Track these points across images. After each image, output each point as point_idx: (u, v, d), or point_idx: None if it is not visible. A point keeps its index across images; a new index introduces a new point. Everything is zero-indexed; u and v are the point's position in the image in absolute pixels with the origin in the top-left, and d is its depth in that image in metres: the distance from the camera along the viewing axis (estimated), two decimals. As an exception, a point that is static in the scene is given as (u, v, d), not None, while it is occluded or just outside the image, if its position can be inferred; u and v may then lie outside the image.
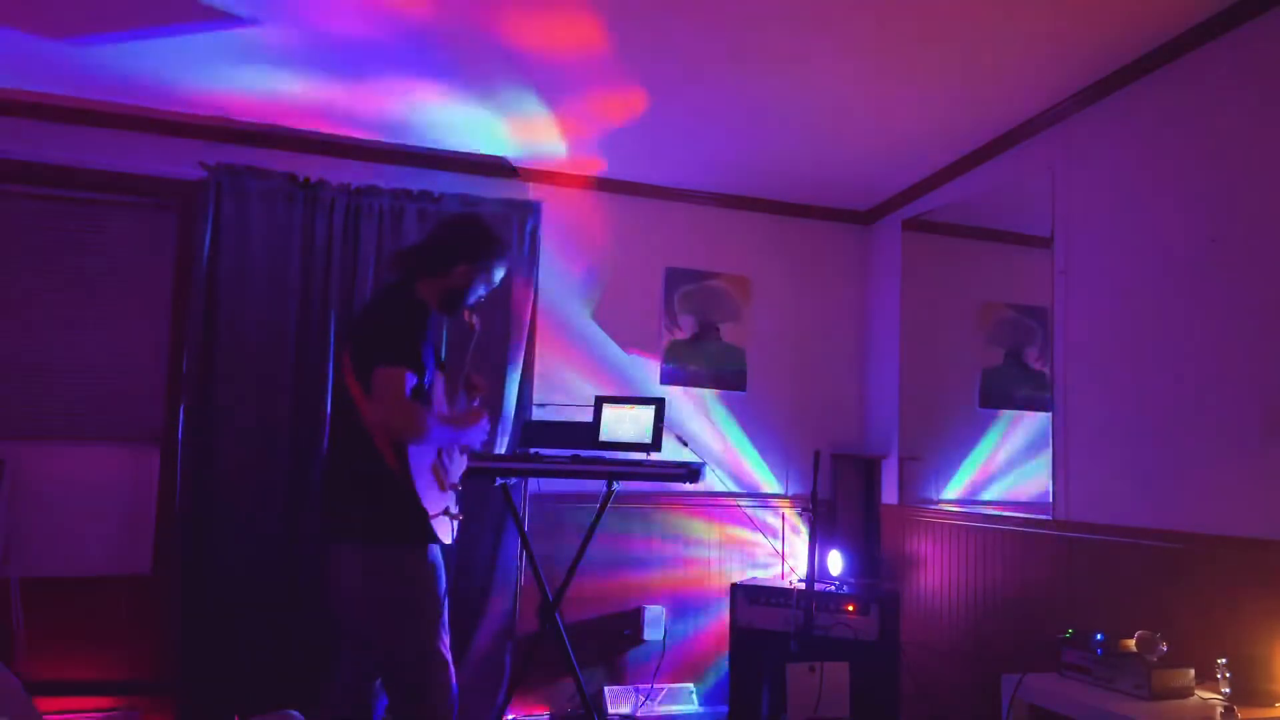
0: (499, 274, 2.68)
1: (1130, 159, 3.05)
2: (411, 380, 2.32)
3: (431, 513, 2.38)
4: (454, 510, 2.52)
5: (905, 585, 4.02)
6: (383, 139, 3.79)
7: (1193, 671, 2.50)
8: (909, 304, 4.23)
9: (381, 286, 2.61)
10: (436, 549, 2.45)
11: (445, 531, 2.46)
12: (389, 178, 3.82)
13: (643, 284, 4.25)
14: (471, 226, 2.64)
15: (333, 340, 3.62)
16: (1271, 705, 2.34)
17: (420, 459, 2.40)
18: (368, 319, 2.53)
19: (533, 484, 3.89)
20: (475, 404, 2.76)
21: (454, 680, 2.44)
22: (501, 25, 2.85)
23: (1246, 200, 2.63)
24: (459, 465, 2.66)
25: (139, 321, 3.64)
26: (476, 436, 2.62)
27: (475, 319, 2.74)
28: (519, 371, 3.88)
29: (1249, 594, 2.50)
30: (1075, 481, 3.19)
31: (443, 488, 2.51)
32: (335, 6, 2.75)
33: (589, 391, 4.00)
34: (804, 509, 4.00)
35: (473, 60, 3.10)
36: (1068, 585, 3.14)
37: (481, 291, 2.66)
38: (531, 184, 4.09)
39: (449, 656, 2.45)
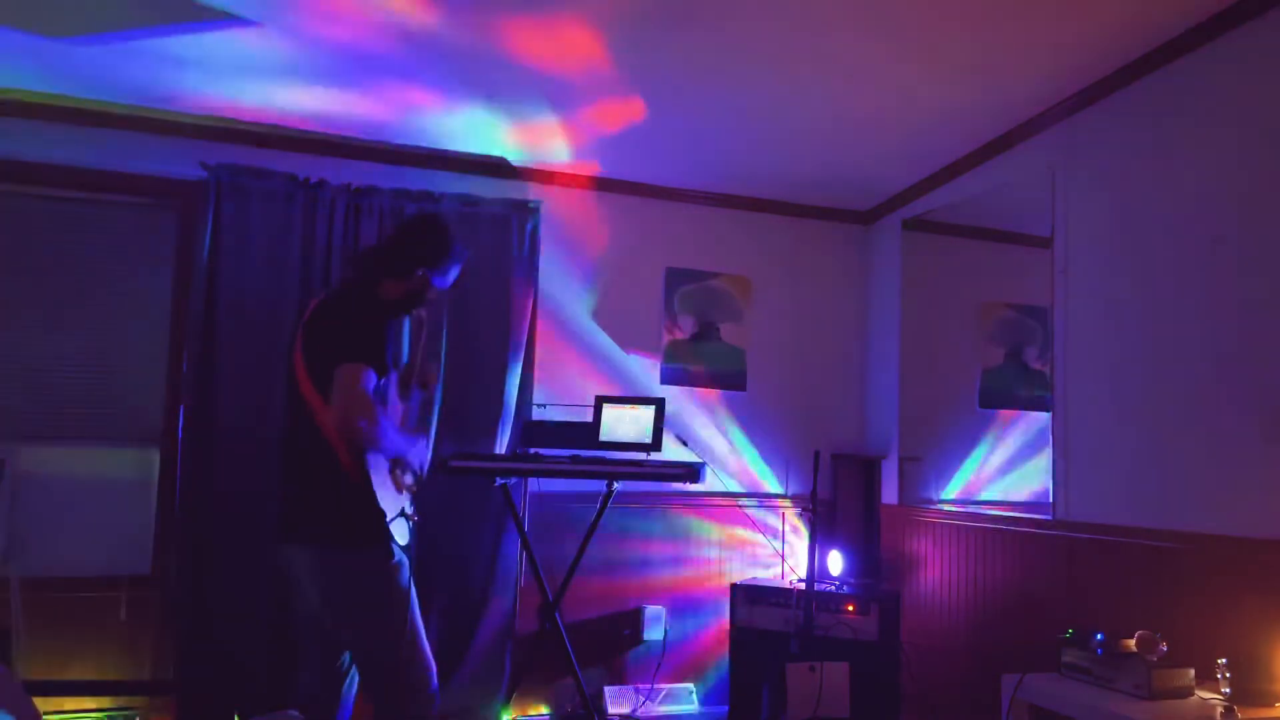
0: (454, 275, 2.71)
1: (1130, 159, 3.05)
2: (372, 380, 2.31)
3: (388, 515, 2.38)
4: (410, 511, 2.52)
5: (905, 585, 4.02)
6: (383, 139, 3.79)
7: (1193, 671, 2.50)
8: (909, 304, 4.23)
9: (341, 286, 2.58)
10: (396, 546, 2.45)
11: (401, 533, 2.46)
12: (389, 178, 3.81)
13: (643, 284, 4.25)
14: (432, 230, 2.64)
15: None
16: (1271, 705, 2.34)
17: (377, 460, 2.40)
18: (328, 317, 2.49)
19: (533, 484, 3.89)
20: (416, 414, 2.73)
21: (432, 666, 2.45)
22: (503, 35, 2.87)
23: (1247, 200, 2.63)
24: (419, 459, 2.64)
25: (139, 321, 3.64)
26: (419, 456, 2.58)
27: (422, 312, 2.75)
28: (519, 371, 3.88)
29: (1249, 594, 2.50)
30: (1075, 481, 3.19)
31: (399, 489, 2.50)
32: (336, 15, 2.75)
33: (589, 391, 4.00)
34: (804, 509, 4.00)
35: (475, 69, 3.11)
36: (1068, 585, 3.13)
37: (436, 290, 2.67)
38: (531, 184, 4.08)
39: (425, 643, 2.46)
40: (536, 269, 3.98)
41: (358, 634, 2.42)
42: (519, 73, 3.12)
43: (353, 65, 3.11)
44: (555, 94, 3.30)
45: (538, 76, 3.16)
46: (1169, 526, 2.78)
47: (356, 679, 2.58)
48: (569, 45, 2.93)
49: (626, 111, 3.45)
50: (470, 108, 3.44)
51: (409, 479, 2.56)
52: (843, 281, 4.59)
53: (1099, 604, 2.98)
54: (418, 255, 2.58)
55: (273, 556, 2.65)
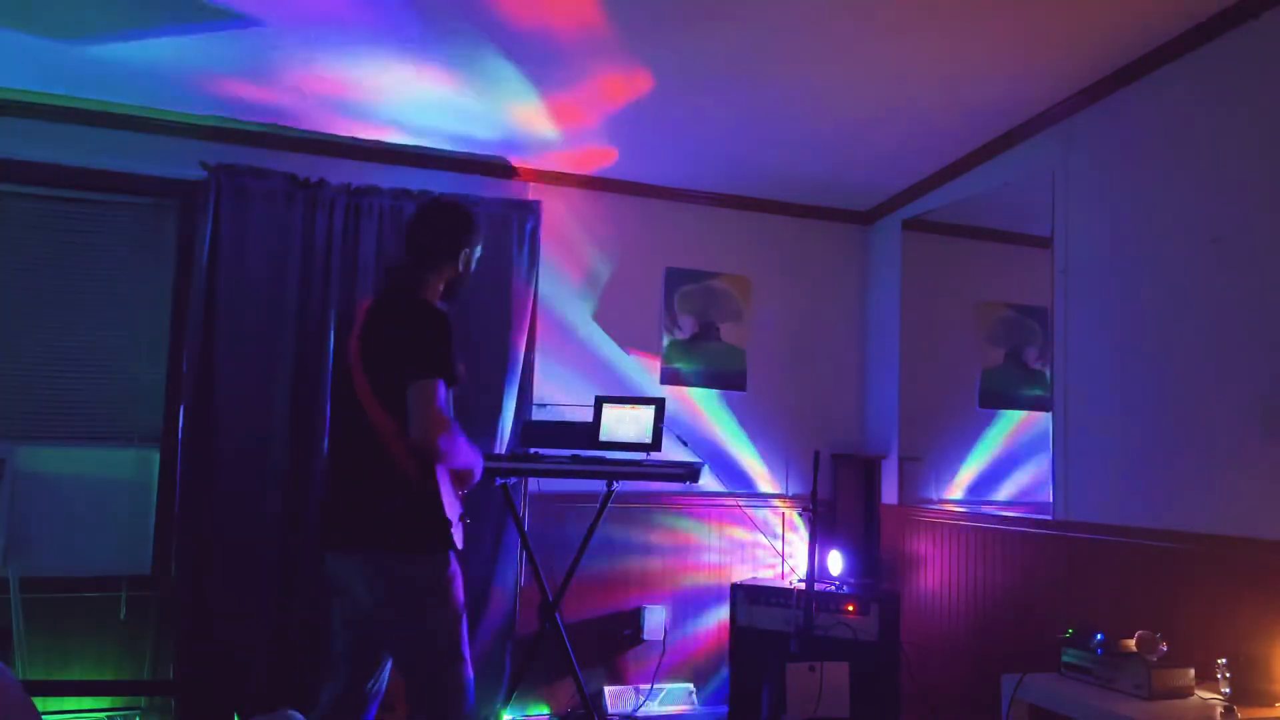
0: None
1: (1130, 159, 3.05)
2: (444, 392, 2.32)
3: (452, 520, 2.39)
4: (465, 515, 2.54)
5: (905, 585, 4.02)
6: (382, 139, 3.79)
7: (1193, 671, 2.50)
8: (909, 304, 4.23)
9: (389, 293, 2.55)
10: (454, 555, 2.45)
11: (459, 537, 2.47)
12: (389, 178, 3.81)
13: (643, 284, 4.25)
14: (454, 209, 2.64)
15: (332, 340, 3.62)
16: (1271, 705, 2.34)
17: (441, 469, 2.41)
18: (387, 328, 2.45)
19: (533, 484, 3.89)
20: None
21: (471, 682, 2.46)
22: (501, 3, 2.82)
23: (1247, 200, 2.63)
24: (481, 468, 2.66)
25: (139, 322, 3.64)
26: (481, 466, 2.59)
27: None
28: (519, 371, 3.88)
29: (1249, 594, 2.51)
30: (1075, 481, 3.19)
31: (457, 493, 2.52)
32: None
33: (589, 391, 4.00)
34: (804, 509, 4.00)
35: (471, 39, 2.97)
36: (1068, 585, 3.13)
37: (474, 266, 2.69)
38: (531, 184, 4.09)
39: (469, 658, 2.46)
40: (536, 269, 3.98)
41: (407, 640, 2.39)
42: (517, 47, 3.01)
43: (335, 34, 2.95)
44: (548, 69, 3.18)
45: (536, 49, 3.03)
46: (1169, 526, 2.78)
47: (379, 700, 2.57)
48: (566, 22, 2.85)
49: (630, 89, 3.35)
50: (460, 87, 3.32)
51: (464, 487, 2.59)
52: (843, 281, 4.59)
53: (1099, 604, 2.98)
54: (457, 236, 2.58)
55: (319, 564, 2.60)
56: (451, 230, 2.59)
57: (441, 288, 2.58)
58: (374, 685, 2.53)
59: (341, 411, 2.50)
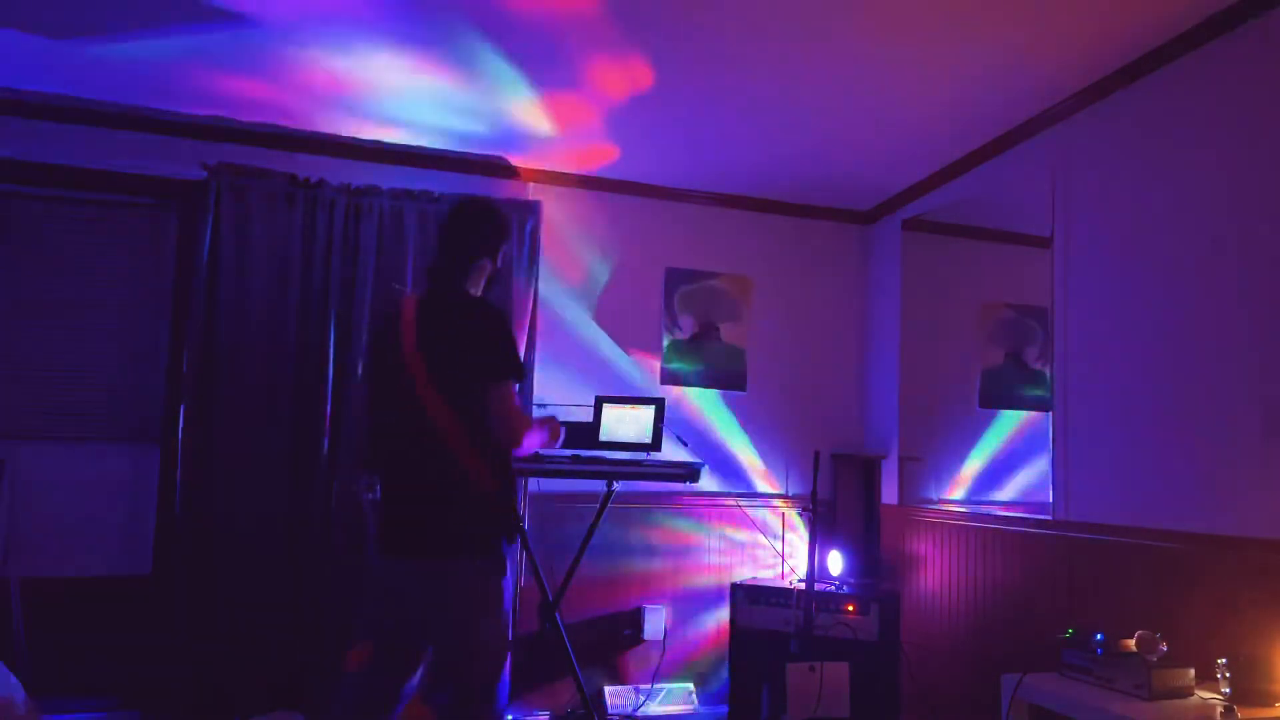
0: None
1: (1130, 159, 3.05)
2: (517, 390, 2.38)
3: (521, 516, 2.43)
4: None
5: (905, 585, 4.02)
6: (383, 139, 3.79)
7: (1193, 671, 2.50)
8: (909, 304, 4.23)
9: (441, 294, 2.53)
10: (510, 560, 2.48)
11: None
12: (389, 178, 3.82)
13: (643, 284, 4.25)
14: (487, 208, 2.67)
15: (332, 340, 3.62)
16: (1271, 705, 2.34)
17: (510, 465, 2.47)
18: (451, 333, 2.43)
19: (533, 484, 3.89)
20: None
21: (507, 685, 2.47)
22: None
23: (1247, 200, 2.63)
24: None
25: (139, 321, 3.64)
26: (558, 438, 2.69)
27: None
28: (519, 371, 3.88)
29: (1249, 594, 2.50)
30: (1075, 481, 3.19)
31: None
32: None
33: (589, 391, 4.00)
34: (804, 509, 4.00)
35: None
36: (1068, 585, 3.13)
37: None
38: (531, 184, 4.09)
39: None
40: (537, 269, 3.98)
41: (466, 643, 2.39)
42: (516, 43, 2.99)
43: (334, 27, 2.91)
44: (550, 70, 3.17)
45: (535, 45, 3.00)
46: (1169, 526, 2.78)
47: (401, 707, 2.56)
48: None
49: (632, 81, 3.32)
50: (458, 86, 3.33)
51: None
52: (843, 281, 4.59)
53: (1099, 604, 2.98)
54: (496, 234, 2.63)
55: (379, 572, 2.55)
56: (492, 229, 2.63)
57: (483, 284, 2.62)
58: (405, 689, 2.51)
59: (392, 413, 2.46)
